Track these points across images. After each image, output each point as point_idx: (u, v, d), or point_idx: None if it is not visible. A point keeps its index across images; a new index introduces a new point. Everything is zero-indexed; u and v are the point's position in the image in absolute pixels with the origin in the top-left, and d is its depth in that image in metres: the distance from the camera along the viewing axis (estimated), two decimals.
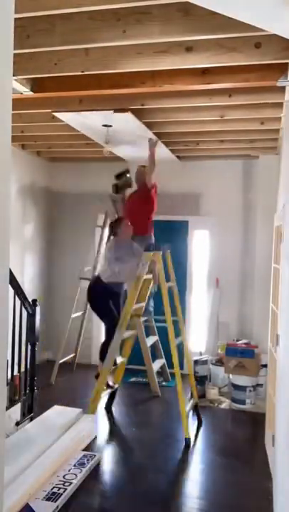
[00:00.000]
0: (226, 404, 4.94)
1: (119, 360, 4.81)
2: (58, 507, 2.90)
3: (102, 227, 5.75)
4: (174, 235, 6.09)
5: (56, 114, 3.90)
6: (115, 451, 3.99)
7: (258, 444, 4.00)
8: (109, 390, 4.64)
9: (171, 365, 5.86)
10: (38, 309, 4.05)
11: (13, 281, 3.78)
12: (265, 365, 4.47)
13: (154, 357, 5.49)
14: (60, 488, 3.08)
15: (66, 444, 3.57)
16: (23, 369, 3.95)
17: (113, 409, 4.77)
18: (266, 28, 2.14)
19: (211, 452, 3.98)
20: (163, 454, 3.84)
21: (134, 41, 2.51)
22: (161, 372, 5.62)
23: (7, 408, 3.56)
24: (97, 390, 4.29)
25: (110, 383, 4.62)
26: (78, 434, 3.79)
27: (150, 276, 4.69)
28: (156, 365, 5.40)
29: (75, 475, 3.29)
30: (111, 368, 4.44)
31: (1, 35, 1.00)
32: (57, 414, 4.10)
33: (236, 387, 4.89)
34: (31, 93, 3.31)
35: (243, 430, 4.47)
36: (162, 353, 5.57)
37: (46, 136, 4.90)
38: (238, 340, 5.22)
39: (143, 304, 4.86)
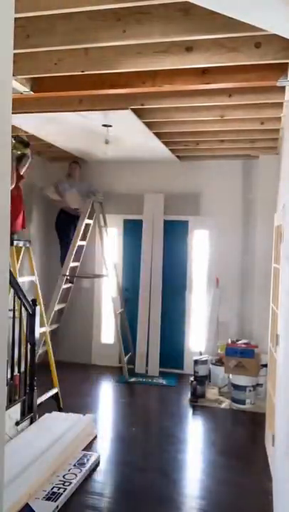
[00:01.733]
0: (225, 404, 4.94)
1: None
2: (57, 507, 2.90)
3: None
4: (174, 234, 6.09)
5: None
6: (115, 451, 3.99)
7: (258, 444, 4.00)
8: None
9: (172, 365, 5.92)
10: (37, 309, 4.05)
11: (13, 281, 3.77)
12: (265, 365, 4.47)
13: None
14: (60, 488, 3.08)
15: (66, 444, 3.57)
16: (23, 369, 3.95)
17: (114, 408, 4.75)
18: (266, 28, 2.14)
19: (211, 452, 3.98)
20: (163, 454, 3.84)
21: (134, 41, 2.51)
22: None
23: (7, 408, 3.56)
24: None
25: None
26: (78, 434, 3.79)
27: None
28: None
29: (75, 475, 3.28)
30: None
31: (1, 35, 1.00)
32: (57, 416, 4.10)
33: (236, 387, 4.88)
34: (31, 93, 3.31)
35: (243, 430, 4.47)
36: None
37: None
38: (238, 340, 5.22)
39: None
